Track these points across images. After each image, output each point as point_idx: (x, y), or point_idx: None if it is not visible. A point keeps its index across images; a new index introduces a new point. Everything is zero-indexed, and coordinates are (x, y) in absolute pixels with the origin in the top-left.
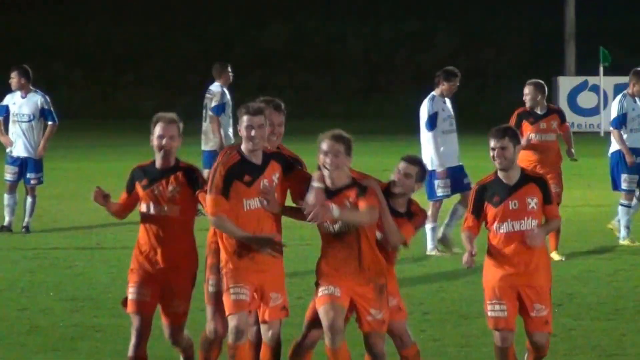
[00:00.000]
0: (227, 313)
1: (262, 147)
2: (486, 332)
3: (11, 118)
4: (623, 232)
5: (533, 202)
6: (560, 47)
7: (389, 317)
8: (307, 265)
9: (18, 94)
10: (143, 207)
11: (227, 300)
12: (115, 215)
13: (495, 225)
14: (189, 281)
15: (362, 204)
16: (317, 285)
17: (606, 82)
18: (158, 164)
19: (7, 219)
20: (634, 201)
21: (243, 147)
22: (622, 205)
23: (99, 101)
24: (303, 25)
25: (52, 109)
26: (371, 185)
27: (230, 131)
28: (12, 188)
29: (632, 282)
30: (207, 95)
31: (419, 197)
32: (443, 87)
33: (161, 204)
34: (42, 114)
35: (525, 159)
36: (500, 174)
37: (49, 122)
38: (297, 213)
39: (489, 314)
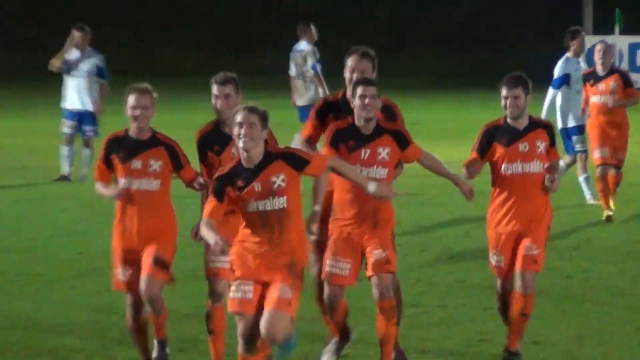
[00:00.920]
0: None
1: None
2: None
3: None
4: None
5: (542, 146)
6: (579, 9)
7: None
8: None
9: (76, 51)
10: (121, 181)
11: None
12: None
13: (503, 166)
14: (169, 247)
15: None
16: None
17: (622, 41)
18: (133, 134)
19: (66, 169)
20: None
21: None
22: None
23: (144, 60)
24: None
25: (106, 68)
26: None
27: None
28: (70, 140)
29: None
30: (297, 54)
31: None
32: (573, 46)
33: (140, 178)
34: (99, 72)
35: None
36: (509, 121)
37: (103, 80)
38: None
39: (492, 262)
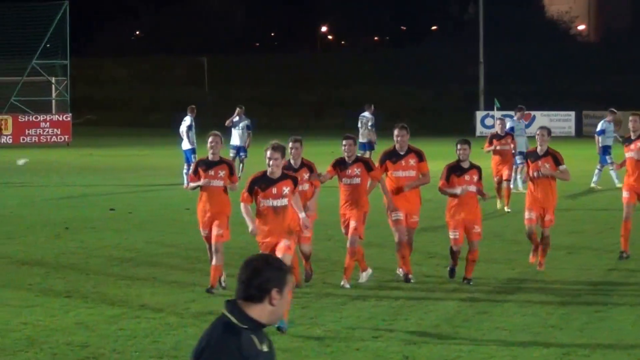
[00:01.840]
0: None
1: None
2: (517, 251)
3: (234, 126)
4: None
5: (476, 178)
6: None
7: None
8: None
9: (237, 116)
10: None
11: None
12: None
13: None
14: (225, 218)
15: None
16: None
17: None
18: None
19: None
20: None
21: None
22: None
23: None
24: None
25: (250, 124)
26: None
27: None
28: (233, 160)
29: None
30: (362, 120)
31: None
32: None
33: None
34: (247, 127)
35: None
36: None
37: (249, 130)
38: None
39: (450, 236)
